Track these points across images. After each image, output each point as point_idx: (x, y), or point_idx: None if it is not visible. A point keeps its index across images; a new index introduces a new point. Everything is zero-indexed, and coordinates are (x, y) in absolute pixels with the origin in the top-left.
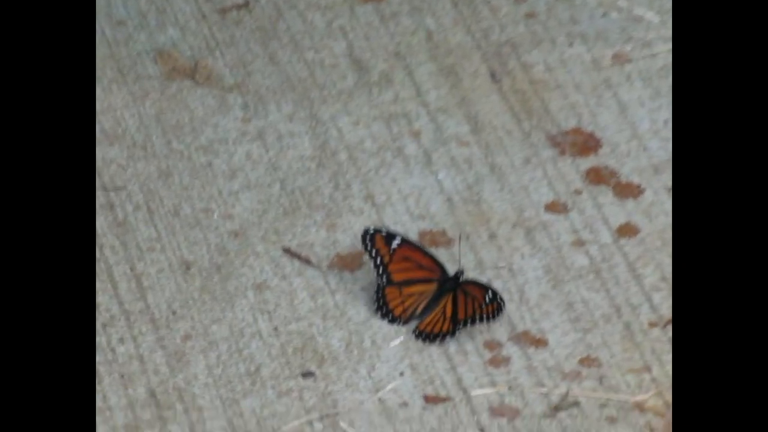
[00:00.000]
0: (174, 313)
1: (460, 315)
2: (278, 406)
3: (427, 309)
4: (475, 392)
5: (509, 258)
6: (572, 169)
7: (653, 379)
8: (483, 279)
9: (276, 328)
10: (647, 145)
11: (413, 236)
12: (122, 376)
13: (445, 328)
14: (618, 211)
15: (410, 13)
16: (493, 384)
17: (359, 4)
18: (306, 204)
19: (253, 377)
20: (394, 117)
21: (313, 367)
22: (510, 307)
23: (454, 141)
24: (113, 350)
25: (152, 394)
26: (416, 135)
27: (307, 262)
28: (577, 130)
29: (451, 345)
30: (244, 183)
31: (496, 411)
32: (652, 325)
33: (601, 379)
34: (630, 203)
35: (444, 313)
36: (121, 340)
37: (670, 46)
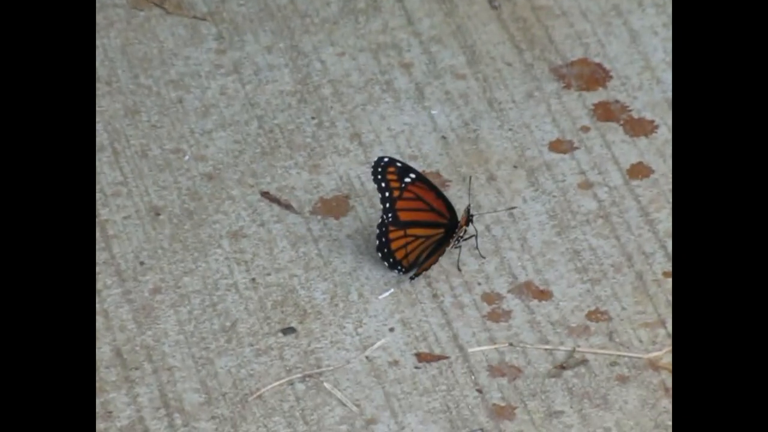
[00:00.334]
0: (142, 263)
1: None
2: (256, 366)
3: (429, 255)
4: (473, 349)
5: (510, 202)
6: (578, 104)
7: (668, 335)
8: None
9: (253, 280)
10: (661, 77)
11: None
12: None
13: (434, 261)
14: (629, 150)
15: None
16: (492, 340)
17: None
18: (286, 143)
19: (229, 334)
20: (382, 48)
21: (294, 323)
22: (511, 256)
23: (448, 74)
24: None
25: (118, 353)
26: (407, 67)
27: (287, 207)
28: (583, 61)
29: (447, 298)
30: (218, 121)
31: (496, 370)
32: (666, 275)
33: (610, 335)
34: (642, 141)
35: (441, 254)
36: None
37: None
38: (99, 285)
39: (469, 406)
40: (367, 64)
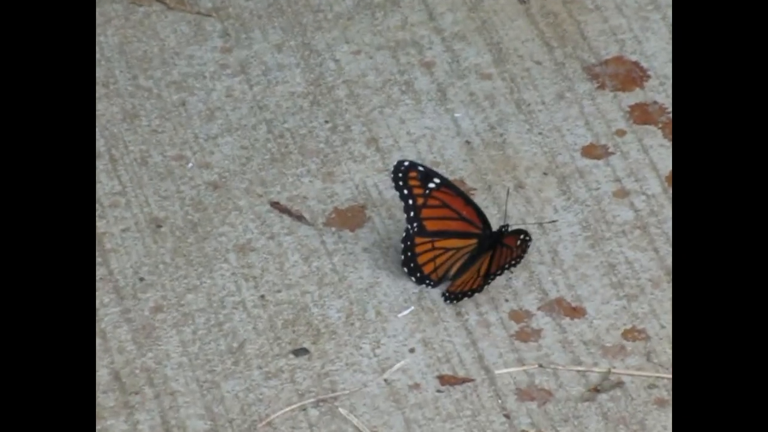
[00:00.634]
0: (141, 280)
1: (493, 269)
2: (266, 390)
3: (462, 269)
4: (500, 371)
5: (539, 211)
6: (614, 105)
7: None
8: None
9: (263, 297)
10: None
11: None
12: None
13: (476, 285)
14: (668, 155)
15: None
16: (520, 362)
17: None
18: (297, 149)
19: (236, 356)
20: (401, 45)
21: (306, 343)
22: (541, 270)
23: (473, 73)
24: None
25: (116, 376)
26: (428, 67)
27: (299, 218)
28: (619, 59)
29: (472, 316)
30: (224, 125)
31: (525, 393)
32: None
33: (648, 355)
34: None
35: (479, 271)
36: None
37: None
38: (96, 303)
39: None
40: (385, 63)
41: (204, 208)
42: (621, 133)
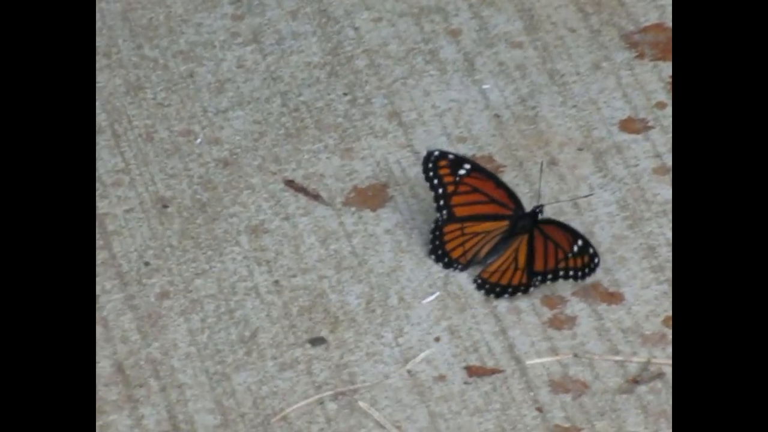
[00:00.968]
0: (147, 264)
1: (538, 265)
2: (280, 382)
3: (493, 252)
4: (531, 362)
5: (574, 190)
6: (653, 76)
7: None
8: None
9: (277, 283)
10: None
11: None
12: None
13: (516, 280)
14: None
15: None
16: (553, 351)
17: None
18: (314, 124)
19: (248, 345)
20: (425, 12)
21: (324, 332)
22: None
23: (502, 42)
24: None
25: (119, 368)
26: (455, 35)
27: (315, 197)
28: (658, 27)
29: (501, 302)
30: (234, 98)
31: (558, 385)
32: None
33: None
34: None
35: (516, 260)
36: None
37: None
38: (97, 289)
39: (528, 428)
40: (408, 31)
41: (213, 187)
42: (661, 105)
